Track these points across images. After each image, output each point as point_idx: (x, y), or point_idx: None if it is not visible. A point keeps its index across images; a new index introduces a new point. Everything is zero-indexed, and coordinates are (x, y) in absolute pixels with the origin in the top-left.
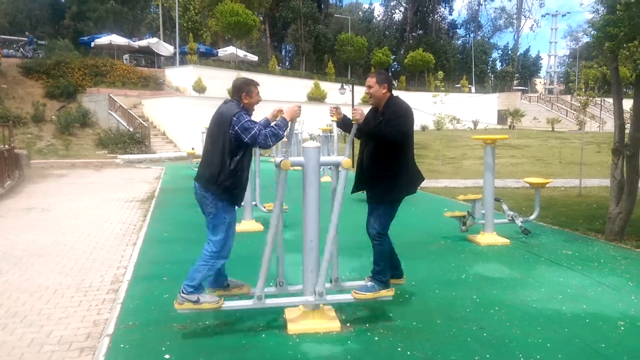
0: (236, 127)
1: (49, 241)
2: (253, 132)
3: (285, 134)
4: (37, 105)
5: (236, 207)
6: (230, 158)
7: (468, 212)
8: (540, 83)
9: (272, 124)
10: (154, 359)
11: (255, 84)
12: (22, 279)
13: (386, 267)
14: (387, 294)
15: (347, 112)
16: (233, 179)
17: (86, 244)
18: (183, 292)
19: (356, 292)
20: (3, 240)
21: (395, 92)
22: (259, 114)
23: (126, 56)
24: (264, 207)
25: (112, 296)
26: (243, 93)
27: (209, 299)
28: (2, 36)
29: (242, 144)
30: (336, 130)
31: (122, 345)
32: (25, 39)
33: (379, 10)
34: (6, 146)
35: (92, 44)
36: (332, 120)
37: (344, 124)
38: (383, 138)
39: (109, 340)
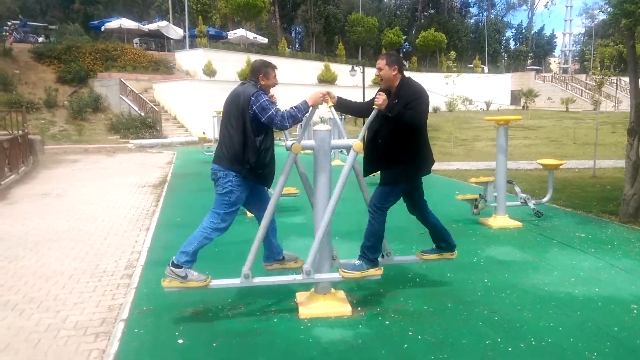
0: (254, 107)
1: (64, 227)
2: (270, 112)
3: (302, 117)
4: (50, 91)
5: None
6: (252, 137)
7: (480, 194)
8: (554, 62)
9: (293, 105)
10: (168, 343)
11: (273, 67)
12: (38, 265)
13: (376, 245)
14: (375, 273)
15: (356, 94)
16: (256, 159)
17: (100, 229)
18: (174, 263)
19: (344, 271)
20: (19, 226)
21: (406, 74)
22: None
23: (136, 40)
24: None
25: (126, 281)
26: (260, 74)
27: (196, 277)
28: (13, 22)
29: (261, 124)
30: (337, 115)
31: (136, 330)
32: (18, 22)
33: None
34: (20, 132)
35: (102, 28)
36: (329, 106)
37: (341, 105)
38: (406, 122)
39: (124, 325)
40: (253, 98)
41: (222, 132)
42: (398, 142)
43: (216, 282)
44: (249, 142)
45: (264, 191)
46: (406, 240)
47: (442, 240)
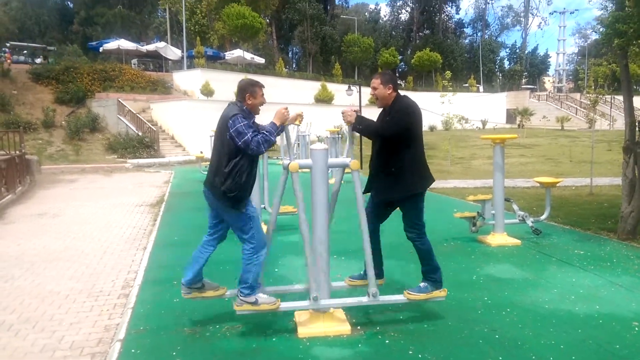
0: (231, 130)
1: (60, 246)
2: (246, 137)
3: (275, 139)
4: (47, 111)
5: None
6: (227, 160)
7: (478, 212)
8: (549, 81)
9: (263, 129)
10: None
11: (260, 85)
12: (34, 285)
13: (434, 265)
14: (439, 294)
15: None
16: (231, 182)
17: (97, 249)
18: (241, 295)
19: (409, 293)
20: (15, 246)
21: (402, 93)
22: (266, 116)
23: (134, 61)
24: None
25: (122, 301)
26: (247, 94)
27: (266, 300)
28: (12, 42)
29: (237, 146)
30: (348, 132)
31: (133, 350)
32: None
33: (385, 11)
34: (17, 152)
35: (101, 49)
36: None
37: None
38: (380, 132)
39: (121, 346)
40: (230, 121)
41: (211, 155)
42: (387, 155)
43: (285, 305)
44: (224, 163)
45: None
46: (399, 256)
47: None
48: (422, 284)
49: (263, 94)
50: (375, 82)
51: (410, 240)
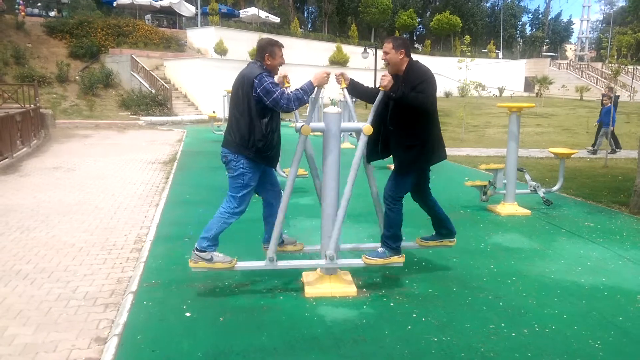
0: (258, 90)
1: (74, 200)
2: (275, 95)
3: (309, 99)
4: (61, 65)
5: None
6: (258, 120)
7: (489, 181)
8: (570, 49)
9: (298, 87)
10: (176, 316)
11: (279, 45)
12: (49, 236)
13: (396, 233)
14: (397, 260)
15: (368, 77)
16: (264, 142)
17: (110, 204)
18: (197, 248)
19: (366, 257)
20: (30, 198)
21: (419, 57)
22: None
23: (148, 16)
24: (284, 172)
25: (135, 255)
26: (266, 54)
27: (222, 259)
28: None
29: (266, 106)
30: (349, 98)
31: (145, 303)
32: None
33: None
34: (32, 106)
35: (115, 4)
36: (342, 88)
37: (353, 89)
38: (412, 104)
39: (133, 297)
40: (256, 81)
41: (230, 116)
42: (409, 128)
43: (242, 264)
44: (255, 125)
45: (272, 173)
46: (414, 224)
47: (443, 227)
48: (380, 249)
49: (282, 55)
50: (388, 46)
51: (384, 203)
